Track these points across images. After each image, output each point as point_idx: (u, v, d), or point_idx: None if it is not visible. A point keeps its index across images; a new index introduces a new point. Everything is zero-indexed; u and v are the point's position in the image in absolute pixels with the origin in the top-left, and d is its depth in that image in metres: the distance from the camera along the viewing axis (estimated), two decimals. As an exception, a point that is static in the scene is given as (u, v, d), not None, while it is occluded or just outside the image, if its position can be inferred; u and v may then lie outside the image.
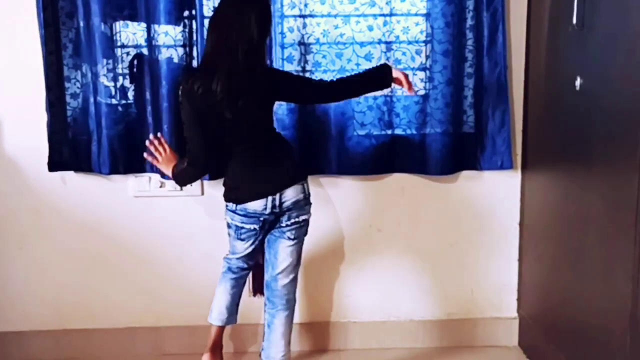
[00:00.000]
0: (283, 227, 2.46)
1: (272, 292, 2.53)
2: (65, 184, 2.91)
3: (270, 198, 2.39)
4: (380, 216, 2.97)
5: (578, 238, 2.41)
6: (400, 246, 3.00)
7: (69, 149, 2.84)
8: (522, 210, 2.96)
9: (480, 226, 2.97)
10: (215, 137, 2.40)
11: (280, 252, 2.49)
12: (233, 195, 2.44)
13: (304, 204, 2.45)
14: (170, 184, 2.85)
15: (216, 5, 2.48)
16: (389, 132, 2.86)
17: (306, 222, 2.49)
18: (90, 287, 3.00)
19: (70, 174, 2.89)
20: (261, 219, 2.43)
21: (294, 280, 2.54)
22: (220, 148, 2.42)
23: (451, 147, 2.84)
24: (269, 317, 2.56)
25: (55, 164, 2.84)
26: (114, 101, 2.82)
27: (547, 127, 2.70)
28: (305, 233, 2.52)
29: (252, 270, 2.68)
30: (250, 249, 2.53)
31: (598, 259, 2.24)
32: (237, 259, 2.57)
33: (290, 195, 2.41)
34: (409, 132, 2.87)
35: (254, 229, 2.45)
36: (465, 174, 2.93)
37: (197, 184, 2.87)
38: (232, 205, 2.45)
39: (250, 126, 2.40)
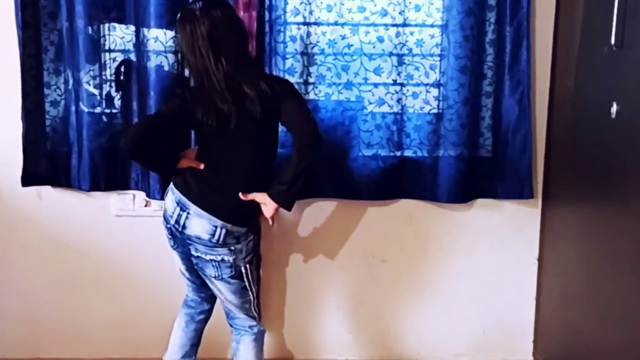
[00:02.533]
0: (194, 257, 2.29)
1: (232, 319, 2.44)
2: (42, 199, 2.76)
3: (179, 208, 2.24)
4: (385, 245, 2.83)
5: (604, 278, 2.26)
6: (406, 279, 2.86)
7: (47, 161, 2.70)
8: (541, 244, 2.82)
9: (495, 260, 2.84)
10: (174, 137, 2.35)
11: (212, 287, 2.37)
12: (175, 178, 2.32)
13: (211, 245, 2.24)
14: (156, 203, 2.72)
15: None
16: (398, 153, 2.72)
17: (220, 264, 2.27)
18: (66, 313, 2.86)
19: (47, 189, 2.75)
20: (169, 225, 2.30)
21: (247, 316, 2.41)
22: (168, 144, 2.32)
23: (466, 172, 2.69)
24: (235, 345, 2.46)
25: (30, 178, 2.69)
26: (97, 110, 2.66)
27: (574, 154, 2.54)
28: (233, 276, 2.30)
29: (212, 305, 2.55)
30: (186, 268, 2.41)
31: (626, 302, 2.10)
32: (189, 287, 2.48)
33: (194, 226, 2.23)
34: (419, 154, 2.72)
35: (166, 234, 2.35)
36: (481, 202, 2.78)
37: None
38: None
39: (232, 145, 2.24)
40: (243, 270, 2.30)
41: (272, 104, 2.19)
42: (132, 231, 2.77)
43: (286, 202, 2.27)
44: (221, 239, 2.22)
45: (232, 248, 2.25)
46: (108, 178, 2.68)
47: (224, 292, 2.32)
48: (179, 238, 2.29)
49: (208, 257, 2.25)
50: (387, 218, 2.79)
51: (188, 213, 2.22)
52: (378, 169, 2.70)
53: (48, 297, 2.83)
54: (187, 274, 2.43)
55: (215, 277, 2.28)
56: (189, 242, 2.25)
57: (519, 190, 2.71)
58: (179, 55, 2.55)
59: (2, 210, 2.75)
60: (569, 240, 2.58)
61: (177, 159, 2.29)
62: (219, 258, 2.25)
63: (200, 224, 2.21)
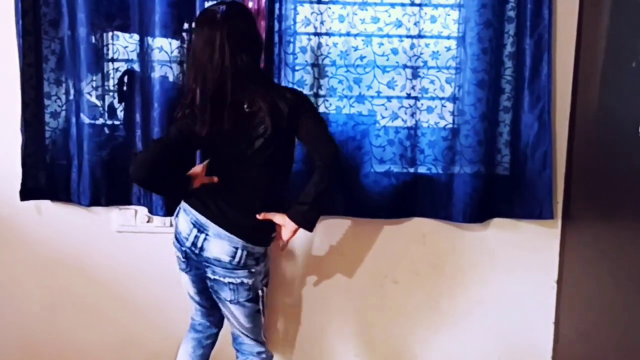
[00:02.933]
0: (211, 280, 2.19)
1: (240, 344, 2.34)
2: (40, 214, 2.67)
3: (196, 229, 2.14)
4: (397, 266, 2.73)
5: (627, 303, 2.15)
6: (419, 301, 2.75)
7: (46, 175, 2.61)
8: (560, 266, 2.70)
9: (511, 283, 2.73)
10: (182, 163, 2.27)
11: (224, 310, 2.26)
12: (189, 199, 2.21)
13: (231, 267, 2.14)
14: (159, 219, 2.64)
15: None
16: (411, 170, 2.62)
17: (238, 287, 2.17)
18: (64, 333, 2.76)
19: (46, 203, 2.66)
20: (183, 248, 2.19)
21: (256, 341, 2.31)
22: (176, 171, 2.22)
23: (482, 190, 2.58)
24: None
25: (28, 192, 2.60)
26: (99, 122, 2.57)
27: (596, 174, 2.43)
28: (250, 299, 2.21)
29: (219, 329, 2.46)
30: (196, 291, 2.31)
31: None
32: (198, 311, 2.37)
33: (214, 248, 2.13)
34: (434, 171, 2.62)
35: (179, 257, 2.25)
36: (497, 222, 2.68)
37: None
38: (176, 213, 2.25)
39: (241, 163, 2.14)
40: (260, 293, 2.21)
41: (288, 121, 2.10)
42: (133, 248, 2.67)
43: (308, 223, 2.16)
44: (242, 260, 2.12)
45: (253, 270, 2.15)
46: (109, 193, 2.59)
47: (237, 315, 2.22)
48: (194, 260, 2.18)
49: (226, 280, 2.15)
50: (399, 237, 2.69)
51: (207, 234, 2.12)
52: (390, 186, 2.60)
53: (45, 316, 2.74)
54: (196, 298, 2.32)
55: (230, 301, 2.18)
56: (206, 264, 2.15)
57: (538, 210, 2.60)
58: (188, 57, 2.43)
59: (0, 225, 2.65)
60: (590, 264, 2.47)
61: (188, 180, 2.19)
62: (238, 281, 2.15)
63: (220, 245, 2.11)
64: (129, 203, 2.61)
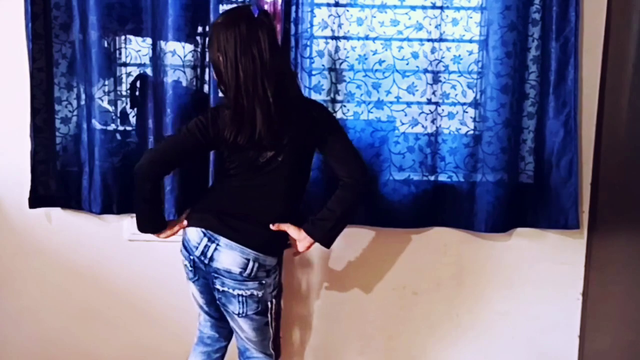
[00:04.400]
0: (219, 292, 2.10)
1: (247, 358, 2.25)
2: (51, 221, 2.63)
3: (206, 238, 2.06)
4: (417, 277, 2.67)
5: None
6: (440, 313, 2.69)
7: (57, 182, 2.56)
8: (586, 278, 2.64)
9: (535, 295, 2.66)
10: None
11: (232, 323, 2.18)
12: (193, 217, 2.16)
13: (241, 279, 2.06)
14: None
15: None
16: (432, 178, 2.56)
17: (247, 300, 2.09)
18: (77, 342, 2.72)
19: (57, 211, 2.62)
20: (192, 257, 2.11)
21: (265, 354, 2.22)
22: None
23: (505, 199, 2.52)
24: None
25: (38, 199, 2.54)
26: (110, 128, 2.52)
27: (624, 183, 2.36)
28: (259, 312, 2.12)
29: (229, 342, 2.36)
30: (205, 302, 2.22)
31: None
32: (207, 322, 2.28)
33: (224, 259, 2.04)
34: (455, 179, 2.56)
35: (186, 265, 2.16)
36: (521, 232, 2.61)
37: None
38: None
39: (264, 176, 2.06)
40: (269, 305, 2.13)
41: (308, 137, 2.04)
42: (146, 256, 2.62)
43: (328, 239, 2.11)
44: (253, 272, 2.04)
45: (263, 282, 2.07)
46: (121, 200, 2.52)
47: (245, 329, 2.14)
48: (202, 270, 2.10)
49: (236, 292, 2.06)
50: (419, 247, 2.63)
51: (217, 244, 2.04)
52: (410, 195, 2.53)
53: (58, 324, 2.70)
54: (205, 308, 2.24)
55: (239, 314, 2.10)
56: (215, 275, 2.07)
57: (563, 220, 2.53)
58: (209, 65, 2.40)
59: (10, 233, 2.62)
60: (617, 275, 2.42)
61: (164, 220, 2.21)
62: (248, 293, 2.06)
63: (231, 256, 2.03)
64: (141, 211, 2.56)
